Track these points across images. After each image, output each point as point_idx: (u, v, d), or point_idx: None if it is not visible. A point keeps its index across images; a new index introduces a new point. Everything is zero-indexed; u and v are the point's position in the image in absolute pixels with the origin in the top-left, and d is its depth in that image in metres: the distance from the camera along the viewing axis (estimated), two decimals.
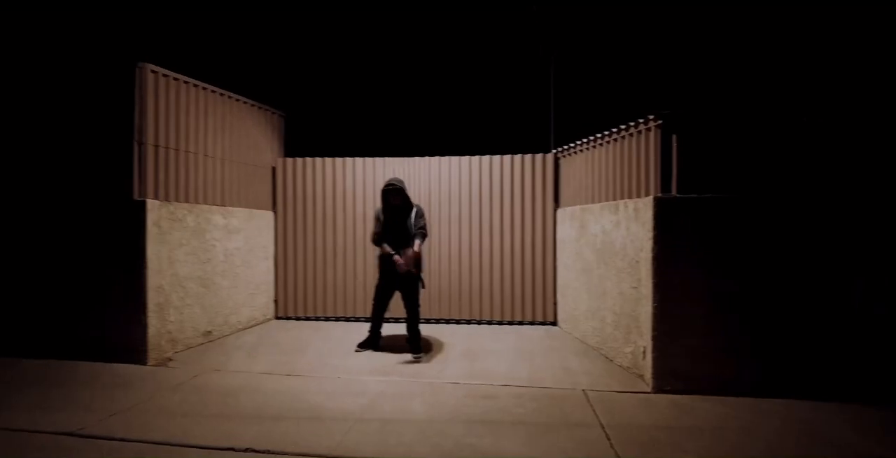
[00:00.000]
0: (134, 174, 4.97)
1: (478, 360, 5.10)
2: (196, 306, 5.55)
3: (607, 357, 5.20)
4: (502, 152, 6.81)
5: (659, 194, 4.38)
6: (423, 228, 5.18)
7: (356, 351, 5.37)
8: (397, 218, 5.16)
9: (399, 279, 5.14)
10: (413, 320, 5.27)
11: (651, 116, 4.57)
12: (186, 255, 5.40)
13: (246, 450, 3.05)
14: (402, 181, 5.23)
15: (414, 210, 5.20)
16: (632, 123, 4.89)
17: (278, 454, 3.02)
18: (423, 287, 5.30)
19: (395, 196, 5.13)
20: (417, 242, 5.06)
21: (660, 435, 3.36)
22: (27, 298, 5.14)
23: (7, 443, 3.14)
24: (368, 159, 6.93)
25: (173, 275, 5.21)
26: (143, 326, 4.85)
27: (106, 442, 3.16)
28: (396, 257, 5.03)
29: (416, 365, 4.91)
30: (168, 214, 5.14)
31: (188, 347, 5.40)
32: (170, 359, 5.00)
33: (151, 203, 4.90)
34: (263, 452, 3.04)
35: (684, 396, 4.13)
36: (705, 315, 4.19)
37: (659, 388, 4.22)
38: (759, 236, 4.18)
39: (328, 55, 7.97)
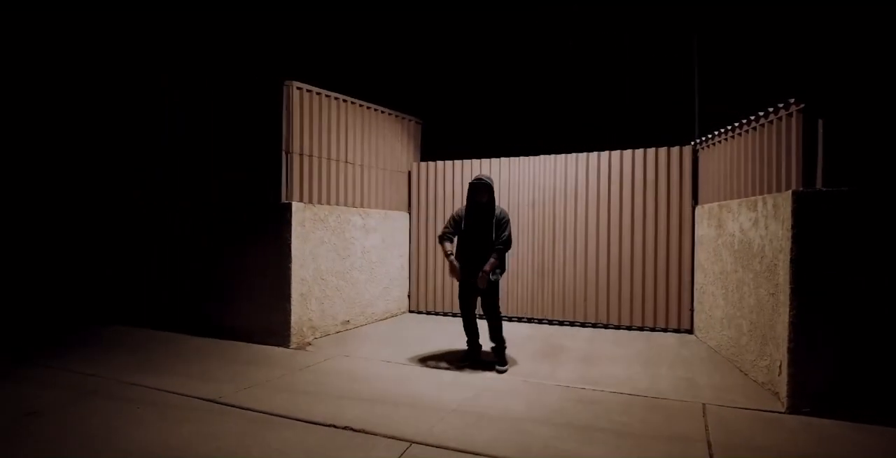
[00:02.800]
0: (282, 180, 5.73)
1: (596, 365, 4.96)
2: (335, 298, 6.22)
3: (742, 371, 4.71)
4: (636, 146, 6.49)
5: (800, 188, 3.88)
6: (507, 241, 4.72)
7: (460, 363, 4.99)
8: (480, 220, 4.79)
9: (473, 283, 4.77)
10: (494, 328, 4.88)
11: (792, 100, 4.06)
12: (327, 251, 6.08)
13: (344, 428, 3.41)
14: (490, 178, 4.87)
15: (496, 214, 4.76)
16: (770, 109, 4.37)
17: (370, 433, 3.33)
18: (496, 297, 4.88)
19: (482, 192, 4.76)
20: (492, 260, 4.64)
21: None
22: (195, 287, 6.18)
23: (163, 401, 3.91)
24: (495, 160, 7.08)
25: (315, 269, 5.91)
26: (286, 313, 5.56)
27: (235, 410, 3.75)
28: (452, 260, 4.77)
29: (525, 366, 4.90)
30: (311, 215, 5.84)
31: (326, 334, 6.08)
32: (309, 344, 5.69)
33: (296, 205, 5.62)
34: (359, 431, 3.36)
35: (823, 420, 3.60)
36: (853, 328, 3.61)
37: (794, 408, 3.73)
38: None
39: (461, 59, 8.30)
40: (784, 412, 3.75)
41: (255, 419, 3.58)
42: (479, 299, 4.93)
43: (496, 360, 4.86)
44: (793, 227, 3.77)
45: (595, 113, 7.37)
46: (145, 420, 3.55)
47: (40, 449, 3.12)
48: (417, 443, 3.20)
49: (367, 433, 3.34)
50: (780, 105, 4.21)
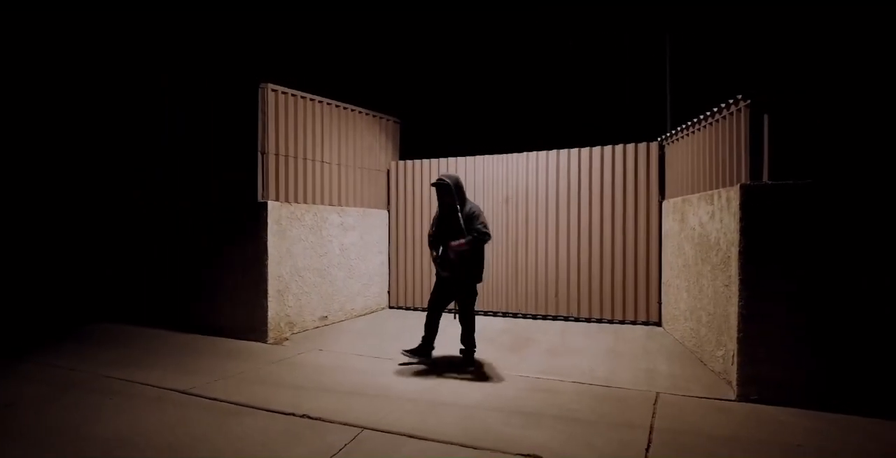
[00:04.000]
0: (258, 180, 5.89)
1: (560, 357, 5.11)
2: (313, 294, 6.38)
3: (702, 361, 4.85)
4: (611, 143, 6.63)
5: (748, 182, 4.02)
6: (479, 231, 4.61)
7: (403, 356, 4.94)
8: (450, 218, 4.73)
9: (450, 285, 4.78)
10: (468, 331, 4.88)
11: (740, 96, 4.19)
12: (304, 248, 6.23)
13: (302, 416, 3.57)
14: (451, 177, 4.79)
15: (465, 210, 4.71)
16: (722, 105, 4.51)
17: (326, 421, 3.49)
18: (470, 299, 4.87)
19: (442, 193, 4.75)
20: (466, 238, 4.59)
21: (706, 444, 3.15)
22: (180, 284, 6.35)
23: (138, 393, 4.08)
24: (469, 158, 7.23)
25: (292, 266, 6.06)
26: (264, 309, 5.72)
27: (203, 400, 3.92)
28: (433, 255, 4.83)
29: (492, 359, 5.03)
30: (288, 213, 6.00)
31: (304, 330, 6.23)
32: (286, 339, 5.85)
33: (272, 204, 5.76)
34: (316, 419, 3.53)
35: (771, 407, 3.74)
36: (798, 317, 3.75)
37: (744, 396, 3.88)
38: (868, 227, 3.63)
39: (437, 60, 8.43)
40: (733, 400, 3.90)
41: (221, 409, 3.74)
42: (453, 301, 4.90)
43: (463, 362, 4.86)
44: (741, 219, 3.92)
45: (570, 111, 7.51)
46: (117, 410, 3.72)
47: (11, 438, 3.30)
48: (369, 429, 3.35)
49: (323, 420, 3.50)
50: (731, 101, 4.35)
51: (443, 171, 7.32)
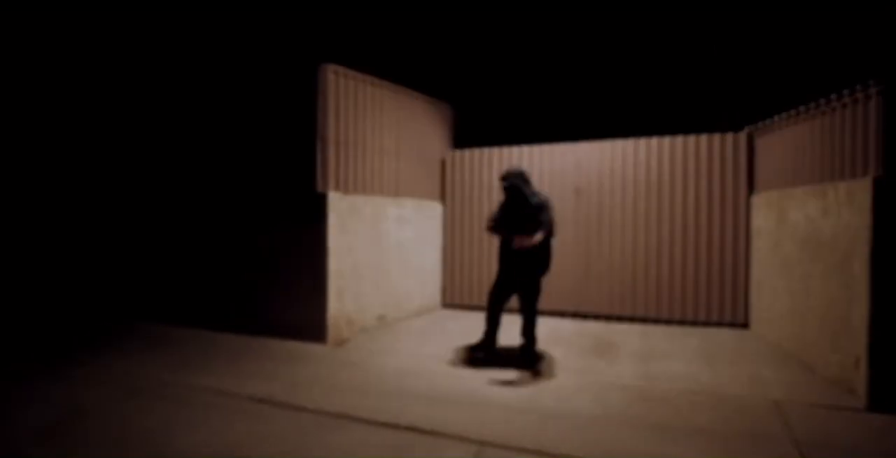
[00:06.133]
0: (317, 168, 5.71)
1: (652, 362, 4.96)
2: (371, 292, 6.24)
3: (808, 366, 4.71)
4: (686, 132, 6.46)
5: (880, 174, 3.86)
6: (548, 224, 4.67)
7: (471, 352, 5.09)
8: (517, 210, 4.77)
9: (513, 276, 4.83)
10: (529, 323, 4.90)
11: (871, 82, 4.02)
12: (363, 243, 6.08)
13: (407, 428, 3.42)
14: (518, 171, 4.88)
15: (534, 201, 4.73)
16: (845, 93, 4.34)
17: (439, 435, 3.34)
18: (537, 294, 4.89)
19: (510, 193, 4.80)
20: (538, 234, 4.57)
21: None
22: (226, 283, 6.20)
23: (211, 402, 3.96)
24: (535, 147, 7.07)
25: (352, 262, 5.91)
26: (323, 308, 5.56)
27: (288, 410, 3.76)
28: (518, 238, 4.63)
29: (579, 364, 4.90)
30: (347, 206, 5.83)
31: (363, 329, 6.10)
32: (346, 339, 5.71)
33: (333, 195, 5.61)
34: (425, 432, 3.37)
35: None
36: None
37: (874, 405, 3.74)
38: None
39: (492, 41, 8.25)
40: (861, 410, 3.76)
41: (310, 420, 3.60)
42: (518, 295, 4.91)
43: (522, 356, 4.89)
44: (872, 215, 3.77)
45: (639, 96, 7.34)
46: (193, 419, 3.59)
47: (85, 446, 3.19)
48: (489, 444, 3.22)
49: (433, 434, 3.35)
50: (858, 88, 4.17)
51: (504, 160, 7.15)
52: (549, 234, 4.76)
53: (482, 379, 4.42)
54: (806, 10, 6.35)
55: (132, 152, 7.01)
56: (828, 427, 3.48)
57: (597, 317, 6.73)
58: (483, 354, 5.00)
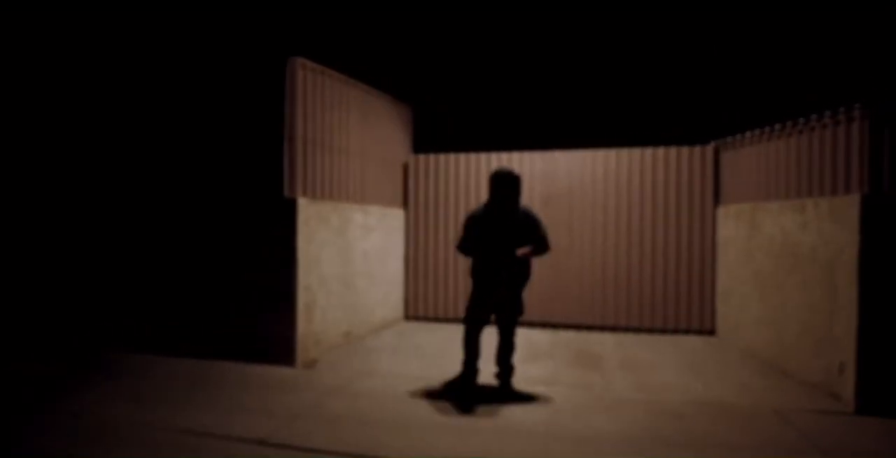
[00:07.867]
0: (285, 171, 5.33)
1: (640, 373, 5.11)
2: (338, 307, 5.90)
3: (785, 372, 5.08)
4: (649, 144, 6.77)
5: (866, 192, 4.23)
6: (543, 241, 4.46)
7: (455, 387, 4.63)
8: (503, 221, 4.41)
9: (495, 297, 4.49)
10: (507, 349, 4.64)
11: (857, 106, 4.41)
12: (330, 254, 5.74)
13: None
14: (516, 179, 4.43)
15: (524, 212, 4.48)
16: (826, 114, 4.73)
17: None
18: (521, 313, 4.66)
19: (510, 186, 4.36)
20: (530, 248, 4.37)
21: None
22: (182, 299, 5.61)
23: (203, 445, 3.54)
24: (504, 155, 7.09)
25: (318, 275, 5.53)
26: (292, 327, 5.16)
27: (300, 452, 3.37)
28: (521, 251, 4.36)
29: (572, 377, 4.94)
30: (315, 213, 5.45)
31: (330, 347, 5.74)
32: (315, 360, 5.34)
33: (302, 201, 5.21)
34: None
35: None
36: None
37: (862, 409, 4.09)
38: None
39: (455, 39, 8.15)
40: (851, 413, 4.09)
41: None
42: (498, 314, 4.62)
43: (501, 387, 4.61)
44: (861, 230, 4.12)
45: (606, 109, 7.57)
46: None
47: None
48: None
49: None
50: (842, 110, 4.55)
51: (471, 167, 7.11)
52: (545, 250, 4.55)
53: (487, 401, 4.31)
54: (777, 30, 6.86)
55: (73, 155, 6.12)
56: (835, 432, 3.74)
57: (567, 327, 6.86)
58: (471, 390, 4.54)
